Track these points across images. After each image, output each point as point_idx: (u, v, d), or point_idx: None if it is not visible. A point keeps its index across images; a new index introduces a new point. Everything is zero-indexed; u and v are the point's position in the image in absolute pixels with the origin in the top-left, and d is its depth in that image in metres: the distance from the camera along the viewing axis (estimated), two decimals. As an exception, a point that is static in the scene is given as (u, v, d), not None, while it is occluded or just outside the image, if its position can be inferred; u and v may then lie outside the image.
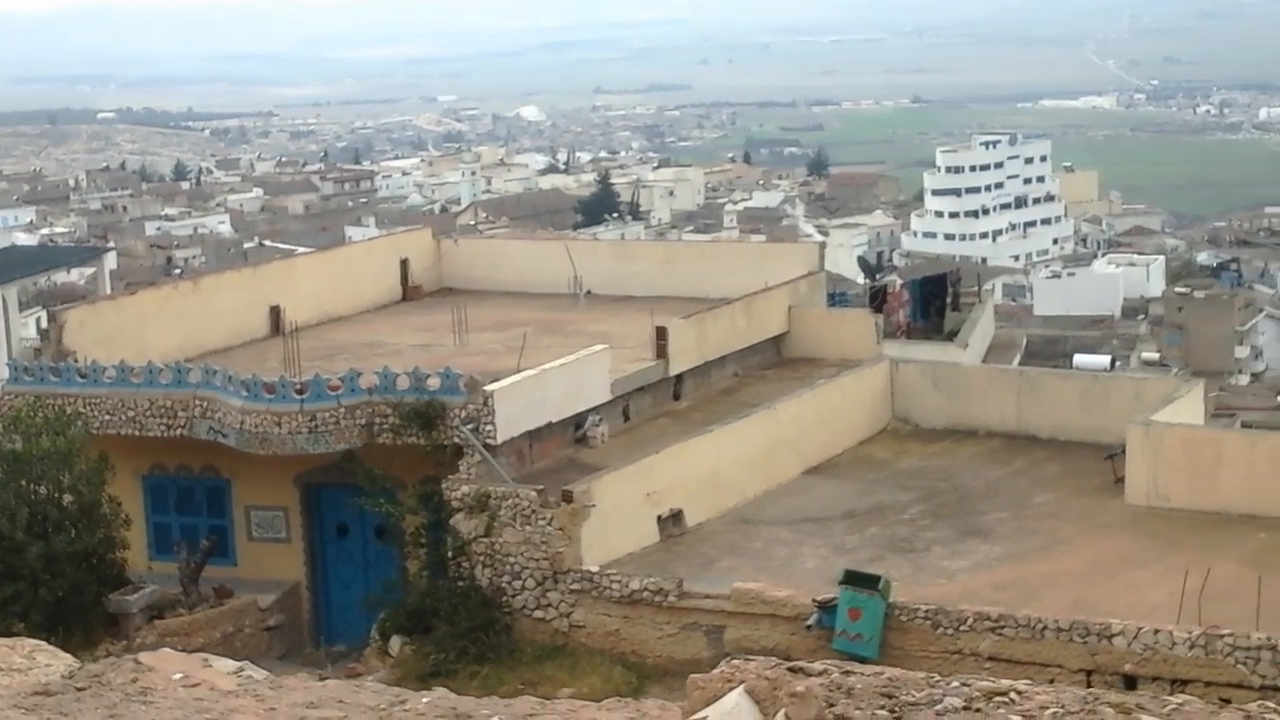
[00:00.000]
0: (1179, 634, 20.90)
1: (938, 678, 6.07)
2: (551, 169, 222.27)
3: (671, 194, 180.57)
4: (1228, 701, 6.26)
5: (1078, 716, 5.61)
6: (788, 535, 27.11)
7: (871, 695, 5.74)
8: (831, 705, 5.65)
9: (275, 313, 35.02)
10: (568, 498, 25.18)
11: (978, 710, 5.67)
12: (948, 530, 27.07)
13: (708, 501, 27.76)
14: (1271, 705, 5.91)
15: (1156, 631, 21.03)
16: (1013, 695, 5.80)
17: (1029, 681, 6.10)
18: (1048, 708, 5.69)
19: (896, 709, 5.66)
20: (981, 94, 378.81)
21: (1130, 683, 20.70)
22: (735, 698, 5.71)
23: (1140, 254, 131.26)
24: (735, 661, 6.00)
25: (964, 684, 5.94)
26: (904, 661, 20.19)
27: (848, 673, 5.95)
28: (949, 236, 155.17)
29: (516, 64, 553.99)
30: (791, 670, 5.87)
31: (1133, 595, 23.14)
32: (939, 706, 5.68)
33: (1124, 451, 28.04)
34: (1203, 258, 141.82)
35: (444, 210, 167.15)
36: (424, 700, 8.36)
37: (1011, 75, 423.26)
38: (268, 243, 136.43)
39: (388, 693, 8.65)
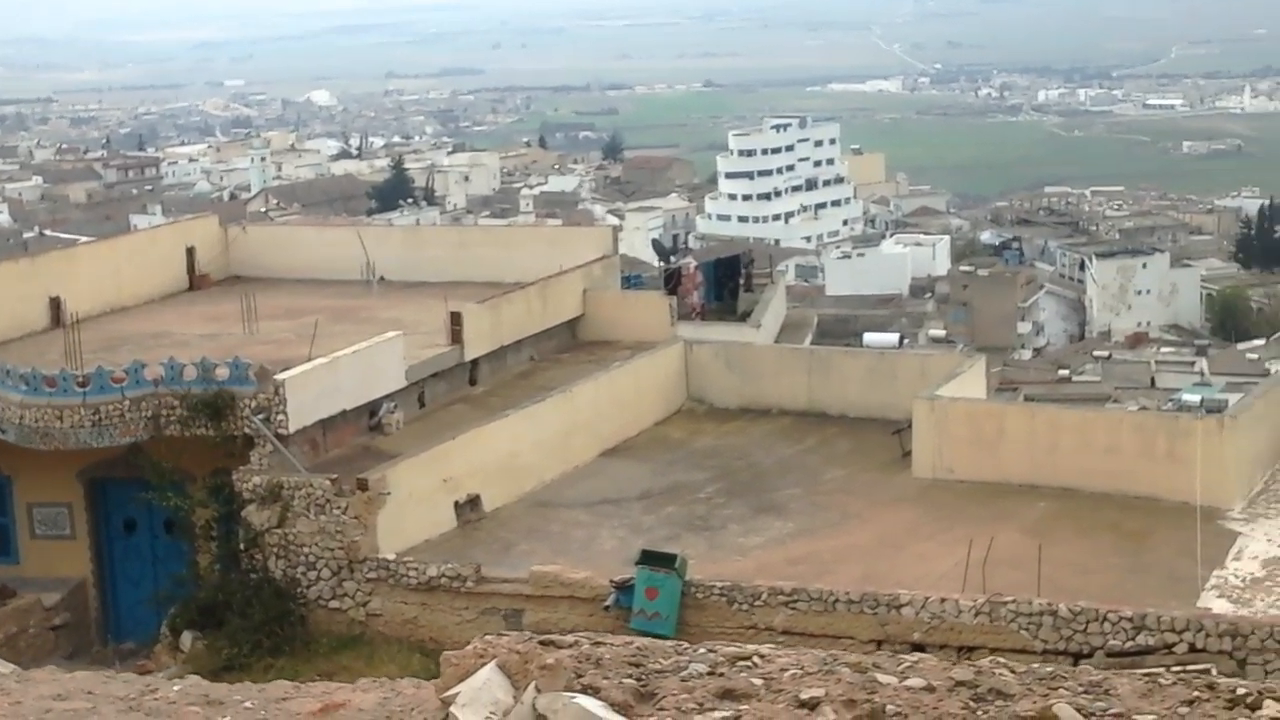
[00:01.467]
0: (964, 602, 21.50)
1: (686, 645, 6.23)
2: (344, 154, 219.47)
3: (467, 179, 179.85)
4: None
5: (816, 676, 5.81)
6: (585, 517, 27.24)
7: (619, 665, 5.86)
8: (580, 676, 5.75)
9: (55, 304, 33.96)
10: (363, 486, 24.92)
11: (721, 674, 5.82)
12: (742, 508, 27.46)
13: (505, 486, 27.73)
14: (1003, 661, 6.17)
15: (943, 600, 21.60)
16: (755, 659, 5.99)
17: (773, 646, 6.28)
18: (787, 669, 5.88)
19: (643, 677, 5.79)
20: (771, 78, 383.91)
21: (919, 650, 21.23)
22: (487, 673, 5.78)
23: (926, 234, 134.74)
24: (488, 637, 6.07)
25: (710, 650, 6.11)
26: (701, 638, 20.43)
27: (597, 644, 6.06)
28: (743, 219, 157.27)
29: (306, 48, 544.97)
30: (542, 644, 5.96)
31: (920, 566, 23.75)
32: (684, 673, 5.82)
33: (910, 426, 28.75)
34: (986, 237, 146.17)
35: (233, 197, 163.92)
36: (175, 688, 8.24)
37: (800, 59, 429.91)
38: (48, 232, 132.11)
39: (138, 682, 8.50)
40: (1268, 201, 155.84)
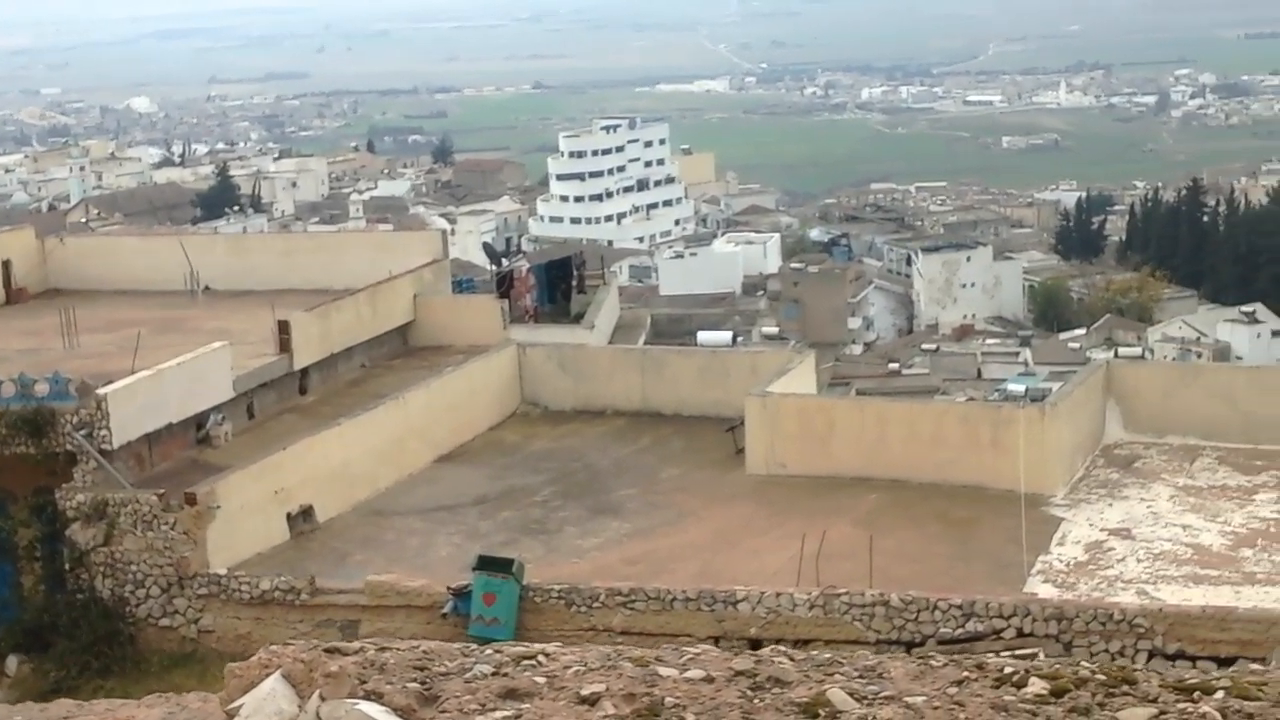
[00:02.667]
0: (799, 596, 21.77)
1: (472, 648, 6.27)
2: (167, 162, 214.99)
3: (294, 185, 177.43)
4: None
5: (598, 672, 5.88)
6: (420, 525, 27.06)
7: (404, 669, 5.89)
8: (364, 682, 5.76)
9: None
10: (191, 500, 24.47)
11: (505, 674, 5.86)
12: (579, 510, 27.51)
13: (338, 495, 27.43)
14: (783, 649, 6.30)
15: (778, 595, 21.85)
16: (540, 658, 6.05)
17: (559, 645, 6.35)
18: (571, 667, 5.95)
19: (428, 680, 5.81)
20: (600, 79, 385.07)
21: (756, 645, 21.44)
22: (271, 683, 5.75)
23: (757, 232, 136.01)
24: (273, 647, 6.03)
25: (496, 651, 6.16)
26: (540, 641, 20.38)
27: (383, 649, 6.08)
28: (575, 220, 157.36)
29: (125, 53, 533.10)
30: (328, 651, 5.95)
31: (755, 562, 23.99)
32: (469, 674, 5.85)
33: (743, 423, 29.03)
34: (815, 234, 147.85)
35: (52, 208, 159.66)
36: (-49, 713, 8.04)
37: (628, 60, 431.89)
38: None
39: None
40: (1085, 194, 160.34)
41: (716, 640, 21.65)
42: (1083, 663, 6.01)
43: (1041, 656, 19.94)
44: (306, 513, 26.69)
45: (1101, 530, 25.17)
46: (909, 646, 20.81)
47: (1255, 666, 6.77)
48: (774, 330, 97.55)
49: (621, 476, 29.24)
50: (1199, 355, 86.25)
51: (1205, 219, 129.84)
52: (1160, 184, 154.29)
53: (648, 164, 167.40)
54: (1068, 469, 27.61)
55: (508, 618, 22.51)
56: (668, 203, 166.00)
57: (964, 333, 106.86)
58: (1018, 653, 20.35)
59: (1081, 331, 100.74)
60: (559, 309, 40.89)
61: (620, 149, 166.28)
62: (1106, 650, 20.39)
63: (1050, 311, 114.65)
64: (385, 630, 22.67)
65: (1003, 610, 21.05)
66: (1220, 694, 5.58)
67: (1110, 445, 29.53)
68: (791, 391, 29.70)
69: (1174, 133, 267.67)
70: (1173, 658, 20.03)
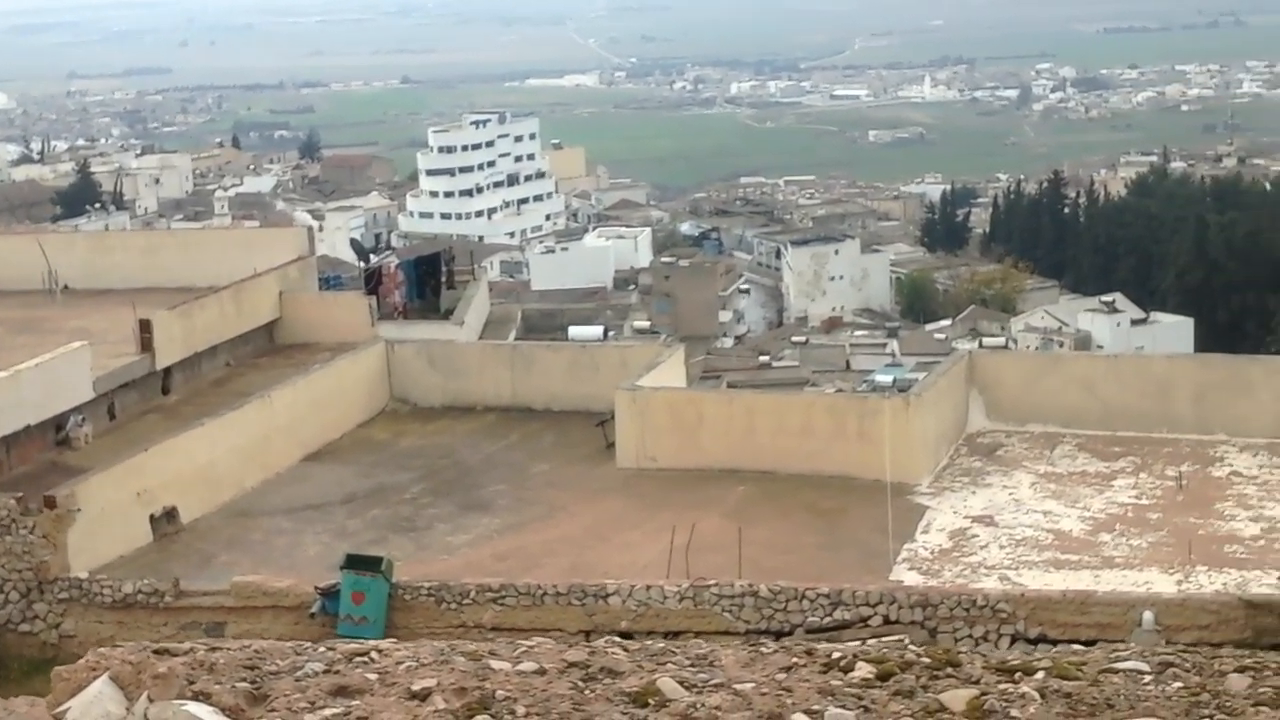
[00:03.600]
0: (669, 588, 21.87)
1: (306, 645, 6.25)
2: (25, 159, 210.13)
3: (158, 182, 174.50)
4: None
5: (430, 667, 5.89)
6: (288, 524, 26.79)
7: (234, 669, 5.86)
8: (193, 683, 5.71)
9: None
10: (50, 503, 23.99)
11: (336, 672, 5.85)
12: (449, 506, 27.42)
13: (203, 496, 27.06)
14: (619, 641, 6.35)
15: (649, 588, 21.93)
16: (373, 655, 6.04)
17: (394, 642, 6.35)
18: (403, 663, 5.95)
19: (257, 679, 5.78)
20: (469, 74, 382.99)
21: (627, 638, 21.48)
22: (99, 686, 5.70)
23: (628, 227, 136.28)
24: (101, 650, 5.97)
25: (329, 649, 6.15)
26: (410, 639, 20.25)
27: (213, 649, 6.04)
28: (445, 216, 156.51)
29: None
30: (156, 652, 5.89)
31: (626, 555, 24.08)
32: (299, 673, 5.82)
33: (613, 417, 29.09)
34: (686, 228, 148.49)
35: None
36: None
37: (497, 55, 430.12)
38: None
39: None
40: (949, 187, 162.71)
41: (588, 634, 21.71)
42: (910, 646, 6.12)
43: (907, 643, 20.27)
44: (170, 514, 26.29)
45: (965, 518, 25.60)
46: (778, 636, 21.00)
47: (1076, 647, 6.96)
48: (645, 324, 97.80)
49: (492, 472, 29.17)
50: (1061, 345, 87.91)
51: (1066, 211, 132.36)
52: (1022, 176, 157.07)
53: (518, 159, 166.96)
54: (932, 458, 28.03)
55: (377, 616, 22.34)
56: (538, 198, 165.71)
57: (833, 325, 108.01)
58: (884, 640, 20.68)
59: (947, 322, 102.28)
60: (428, 305, 40.63)
61: (490, 144, 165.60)
62: (970, 635, 20.73)
63: (917, 303, 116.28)
64: (252, 632, 22.38)
65: (870, 598, 21.31)
66: (1040, 674, 5.72)
67: (974, 434, 30.03)
68: (661, 385, 29.82)
69: (1035, 126, 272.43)
70: (1035, 641, 20.41)
